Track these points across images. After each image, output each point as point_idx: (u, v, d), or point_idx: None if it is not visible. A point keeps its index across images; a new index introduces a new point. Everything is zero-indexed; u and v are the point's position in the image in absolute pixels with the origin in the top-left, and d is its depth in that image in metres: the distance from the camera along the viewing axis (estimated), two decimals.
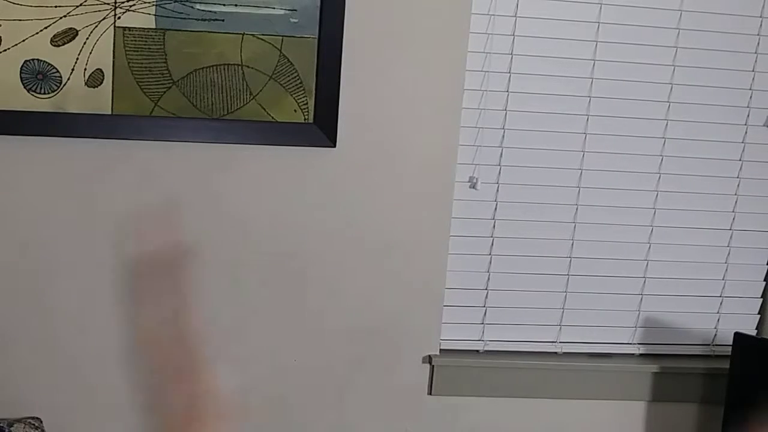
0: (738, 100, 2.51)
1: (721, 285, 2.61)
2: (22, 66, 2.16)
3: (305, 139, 2.29)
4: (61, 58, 2.16)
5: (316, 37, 2.25)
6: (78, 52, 2.17)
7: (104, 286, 2.30)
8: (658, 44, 2.45)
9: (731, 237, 2.59)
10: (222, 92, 2.25)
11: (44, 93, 2.18)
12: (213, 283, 2.34)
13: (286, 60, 2.25)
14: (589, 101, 2.45)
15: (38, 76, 2.17)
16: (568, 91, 2.44)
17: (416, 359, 2.49)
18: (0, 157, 2.20)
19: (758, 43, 2.48)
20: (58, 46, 2.16)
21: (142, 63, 2.20)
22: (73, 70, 2.17)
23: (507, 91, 2.41)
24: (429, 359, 2.48)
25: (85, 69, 2.18)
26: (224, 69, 2.24)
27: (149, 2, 2.18)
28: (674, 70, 2.46)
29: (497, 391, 2.53)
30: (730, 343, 2.42)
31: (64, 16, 2.15)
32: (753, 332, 2.63)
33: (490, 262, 2.50)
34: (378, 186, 2.37)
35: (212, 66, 2.23)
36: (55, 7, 2.14)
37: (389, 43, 2.31)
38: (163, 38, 2.20)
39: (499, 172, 2.45)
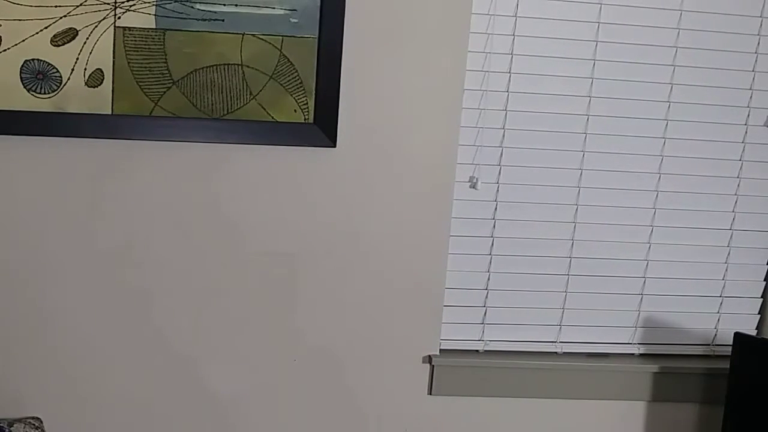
0: (738, 100, 2.51)
1: (721, 285, 2.61)
2: (22, 66, 2.16)
3: (305, 139, 2.29)
4: (61, 58, 2.16)
5: (316, 37, 2.25)
6: (78, 52, 2.17)
7: (104, 286, 2.31)
8: (658, 44, 2.45)
9: (731, 237, 2.59)
10: (222, 92, 2.25)
11: (44, 93, 2.18)
12: (213, 282, 2.35)
13: (286, 60, 2.26)
14: (589, 101, 2.45)
15: (38, 76, 2.17)
16: (568, 91, 2.44)
17: (416, 359, 2.49)
18: (0, 157, 2.20)
19: (758, 43, 2.48)
20: (58, 46, 2.16)
21: (142, 63, 2.20)
22: (73, 70, 2.17)
23: (507, 91, 2.42)
24: (429, 359, 2.48)
25: (85, 69, 2.18)
26: (224, 69, 2.24)
27: (149, 2, 2.18)
28: (674, 70, 2.47)
29: (497, 391, 2.53)
30: (730, 343, 2.42)
31: (64, 16, 2.15)
32: (753, 332, 2.63)
33: (490, 262, 2.50)
34: (378, 186, 2.37)
35: (212, 66, 2.23)
36: (55, 7, 2.14)
37: (389, 43, 2.31)
38: (163, 38, 2.20)
39: (499, 172, 2.46)
